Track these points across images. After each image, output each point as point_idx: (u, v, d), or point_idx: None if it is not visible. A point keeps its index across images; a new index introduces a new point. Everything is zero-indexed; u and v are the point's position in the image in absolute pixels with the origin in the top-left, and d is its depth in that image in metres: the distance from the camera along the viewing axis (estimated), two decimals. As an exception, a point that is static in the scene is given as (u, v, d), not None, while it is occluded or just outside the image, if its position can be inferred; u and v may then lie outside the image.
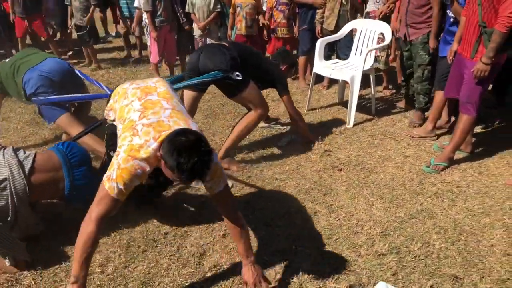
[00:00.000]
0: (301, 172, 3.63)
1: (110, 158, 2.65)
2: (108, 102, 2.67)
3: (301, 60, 5.71)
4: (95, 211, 2.02)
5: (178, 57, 6.25)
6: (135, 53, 7.38)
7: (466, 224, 2.96)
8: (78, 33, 6.53)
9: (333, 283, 2.44)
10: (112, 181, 1.99)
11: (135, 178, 2.01)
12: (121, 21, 7.21)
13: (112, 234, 2.82)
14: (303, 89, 5.60)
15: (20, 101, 3.93)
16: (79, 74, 3.85)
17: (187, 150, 1.85)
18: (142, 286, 2.40)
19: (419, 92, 4.46)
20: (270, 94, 5.21)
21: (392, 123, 4.61)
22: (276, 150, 3.99)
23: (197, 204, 3.19)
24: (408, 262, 2.60)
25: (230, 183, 3.41)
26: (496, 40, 3.15)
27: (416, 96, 4.52)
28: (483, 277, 2.48)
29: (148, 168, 2.03)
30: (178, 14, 5.77)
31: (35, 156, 2.59)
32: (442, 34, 4.19)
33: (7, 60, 3.82)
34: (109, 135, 2.77)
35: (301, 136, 4.15)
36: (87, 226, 2.01)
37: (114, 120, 2.52)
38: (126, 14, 6.86)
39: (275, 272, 2.50)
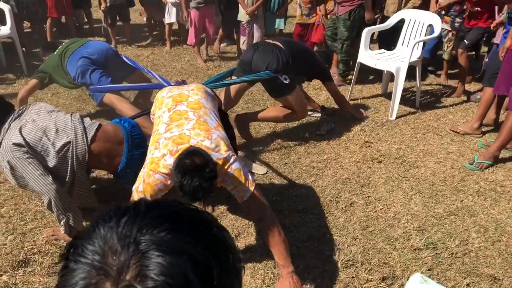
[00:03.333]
0: (340, 162, 3.60)
1: None
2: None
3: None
4: None
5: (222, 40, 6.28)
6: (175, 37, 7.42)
7: (508, 224, 2.87)
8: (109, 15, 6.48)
9: (366, 274, 2.43)
10: (140, 193, 2.15)
11: (159, 192, 2.16)
12: (144, 6, 7.07)
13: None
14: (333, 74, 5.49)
15: (72, 87, 4.22)
16: (126, 60, 4.00)
17: (190, 173, 1.93)
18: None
19: (339, 61, 5.21)
20: (312, 82, 5.15)
21: (436, 118, 4.48)
22: (314, 139, 3.97)
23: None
24: (445, 259, 2.55)
25: (265, 169, 3.44)
26: None
27: (338, 63, 5.30)
28: (523, 280, 2.41)
29: (169, 181, 2.13)
30: None
31: (99, 126, 2.72)
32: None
33: (55, 52, 4.06)
34: None
35: (348, 113, 4.30)
36: None
37: None
38: None
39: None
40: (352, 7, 4.86)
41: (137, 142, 2.78)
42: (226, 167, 2.15)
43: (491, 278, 2.40)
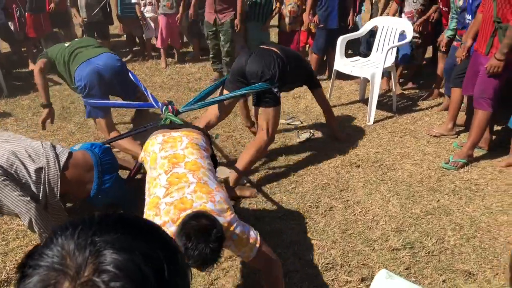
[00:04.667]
0: (319, 168, 3.67)
1: None
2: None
3: (314, 57, 5.75)
4: None
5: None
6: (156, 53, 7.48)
7: (482, 221, 2.96)
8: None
9: (346, 275, 2.49)
10: None
11: None
12: (121, 23, 7.13)
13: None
14: None
15: (69, 86, 3.99)
16: (131, 76, 3.84)
17: (196, 236, 1.79)
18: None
19: (226, 63, 5.70)
20: (291, 92, 5.24)
21: (413, 121, 4.59)
22: (294, 146, 4.04)
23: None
24: (422, 257, 2.62)
25: (244, 180, 3.48)
26: (510, 37, 3.13)
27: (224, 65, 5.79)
28: (497, 274, 2.49)
29: None
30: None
31: (70, 153, 2.71)
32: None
33: (66, 44, 3.85)
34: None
35: (333, 133, 4.15)
36: None
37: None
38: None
39: None
40: (231, 14, 5.51)
41: (107, 168, 2.79)
42: (230, 232, 2.03)
43: (466, 274, 2.48)
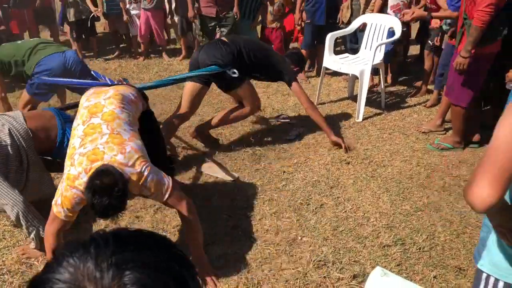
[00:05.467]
0: (309, 165, 3.66)
1: None
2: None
3: (303, 53, 5.73)
4: (49, 229, 2.25)
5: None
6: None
7: (472, 217, 2.97)
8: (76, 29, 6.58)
9: (337, 273, 2.48)
10: (59, 206, 2.19)
11: (76, 205, 2.19)
12: (107, 20, 7.09)
13: (121, 226, 2.90)
14: (301, 80, 5.58)
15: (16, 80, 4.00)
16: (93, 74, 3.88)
17: (99, 193, 1.99)
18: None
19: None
20: (280, 88, 5.24)
21: (402, 117, 4.61)
22: (284, 143, 4.03)
23: (207, 196, 3.25)
24: (413, 254, 2.63)
25: (236, 175, 3.47)
26: (473, 34, 3.17)
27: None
28: (487, 269, 2.50)
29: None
30: None
31: (23, 114, 2.76)
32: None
33: (19, 42, 3.92)
34: None
35: (326, 135, 3.99)
36: (47, 241, 2.30)
37: None
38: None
39: None
40: (216, 7, 5.70)
41: (68, 118, 2.84)
42: (141, 181, 2.21)
43: (457, 269, 2.49)
